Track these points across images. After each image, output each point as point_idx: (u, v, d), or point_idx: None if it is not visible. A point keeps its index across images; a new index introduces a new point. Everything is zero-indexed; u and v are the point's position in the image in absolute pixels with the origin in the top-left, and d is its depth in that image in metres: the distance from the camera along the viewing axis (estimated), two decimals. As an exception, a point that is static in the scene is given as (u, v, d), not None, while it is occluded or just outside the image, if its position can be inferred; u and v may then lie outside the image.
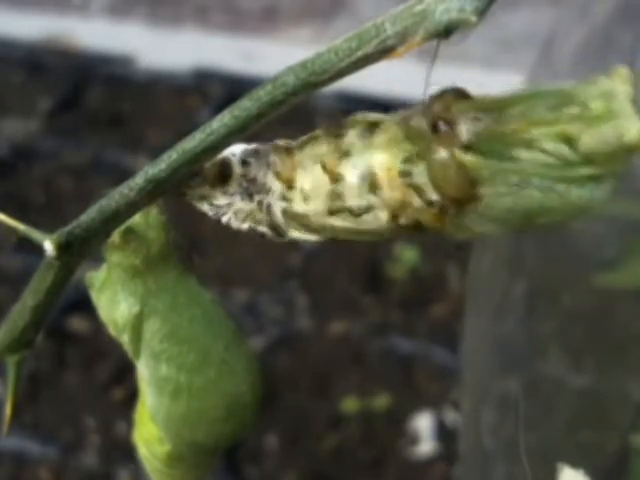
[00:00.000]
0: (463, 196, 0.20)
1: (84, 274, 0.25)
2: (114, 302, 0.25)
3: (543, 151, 0.20)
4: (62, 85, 1.06)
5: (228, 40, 1.08)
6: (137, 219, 0.24)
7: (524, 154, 0.20)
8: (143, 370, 0.27)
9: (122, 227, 0.23)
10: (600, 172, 0.20)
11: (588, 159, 0.20)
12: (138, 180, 0.20)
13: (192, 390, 0.26)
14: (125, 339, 0.26)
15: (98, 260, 0.25)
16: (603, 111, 0.20)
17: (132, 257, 0.25)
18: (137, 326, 0.25)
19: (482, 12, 0.19)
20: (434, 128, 0.20)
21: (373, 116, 0.21)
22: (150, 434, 0.28)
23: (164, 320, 0.26)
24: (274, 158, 0.22)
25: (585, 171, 0.20)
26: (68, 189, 0.96)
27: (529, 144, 0.20)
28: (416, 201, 0.20)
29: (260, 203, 0.22)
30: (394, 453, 0.74)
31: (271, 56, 1.02)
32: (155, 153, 0.21)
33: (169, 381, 0.26)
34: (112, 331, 0.26)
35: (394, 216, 0.21)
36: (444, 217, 0.21)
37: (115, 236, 0.24)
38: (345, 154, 0.21)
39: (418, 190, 0.20)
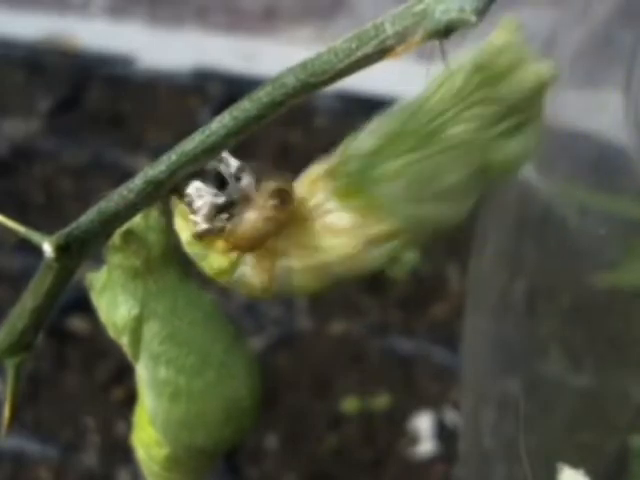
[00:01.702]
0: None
1: (84, 274, 0.25)
2: (114, 304, 0.25)
3: (469, 120, 0.21)
4: (62, 85, 1.06)
5: (228, 40, 1.08)
6: (137, 221, 0.24)
7: (454, 129, 0.21)
8: (142, 372, 0.26)
9: (123, 228, 0.23)
10: (526, 117, 0.21)
11: (512, 109, 0.21)
12: (137, 181, 0.20)
13: (191, 393, 0.26)
14: (124, 341, 0.26)
15: (98, 261, 0.25)
16: (509, 64, 0.21)
17: (132, 259, 0.25)
18: (136, 328, 0.25)
19: (482, 12, 0.19)
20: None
21: None
22: (148, 437, 0.28)
23: (164, 322, 0.26)
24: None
25: (513, 120, 0.21)
26: (68, 189, 0.96)
27: (455, 120, 0.21)
28: None
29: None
30: (394, 453, 0.73)
31: (271, 56, 1.02)
32: (155, 153, 0.21)
33: (168, 384, 0.26)
34: (112, 333, 0.26)
35: None
36: None
37: (116, 237, 0.24)
38: None
39: None
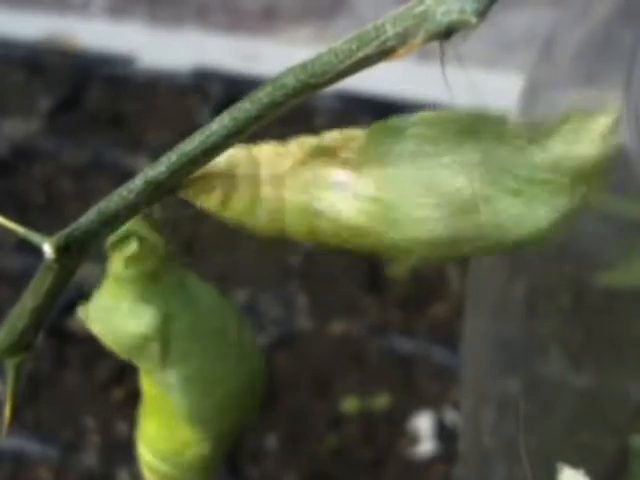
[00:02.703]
0: None
1: (84, 274, 0.25)
2: (130, 318, 0.25)
3: (511, 145, 0.20)
4: (62, 85, 1.06)
5: (228, 40, 1.08)
6: (138, 224, 0.24)
7: (490, 145, 0.20)
8: (169, 378, 0.26)
9: (129, 235, 0.24)
10: (561, 188, 0.20)
11: (554, 167, 0.20)
12: (137, 182, 0.20)
13: (217, 378, 0.26)
14: (151, 351, 0.26)
15: (98, 261, 0.25)
16: (578, 127, 0.20)
17: (149, 262, 0.25)
18: (165, 332, 0.25)
19: (482, 13, 0.19)
20: None
21: None
22: (183, 439, 0.28)
23: (185, 317, 0.26)
24: None
25: (547, 177, 0.20)
26: (68, 189, 0.96)
27: (499, 137, 0.20)
28: None
29: None
30: (394, 453, 0.73)
31: (271, 56, 1.02)
32: (155, 153, 0.21)
33: (198, 377, 0.26)
34: (126, 353, 0.26)
35: None
36: None
37: (131, 247, 0.24)
38: None
39: None
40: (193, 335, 0.26)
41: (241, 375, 0.27)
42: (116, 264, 0.25)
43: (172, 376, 0.26)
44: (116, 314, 0.25)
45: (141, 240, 0.24)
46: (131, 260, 0.24)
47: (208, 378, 0.26)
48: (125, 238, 0.24)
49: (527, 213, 0.20)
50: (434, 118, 0.21)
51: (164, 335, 0.25)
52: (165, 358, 0.26)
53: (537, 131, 0.20)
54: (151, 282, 0.25)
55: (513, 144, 0.20)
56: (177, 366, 0.26)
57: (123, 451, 0.73)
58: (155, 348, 0.25)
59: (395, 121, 0.21)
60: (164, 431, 0.28)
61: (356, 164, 0.21)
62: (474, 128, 0.20)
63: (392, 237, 0.21)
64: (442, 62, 0.19)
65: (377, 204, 0.21)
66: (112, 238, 0.24)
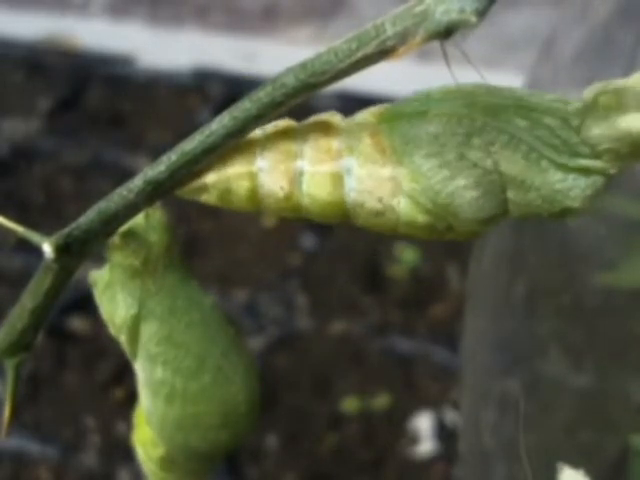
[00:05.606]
0: None
1: (84, 274, 0.25)
2: (114, 302, 0.25)
3: (542, 126, 0.20)
4: (62, 85, 1.06)
5: (228, 40, 1.08)
6: (138, 220, 0.24)
7: (520, 122, 0.20)
8: (139, 372, 0.26)
9: (124, 228, 0.23)
10: (597, 167, 0.20)
11: (591, 149, 0.20)
12: (137, 182, 0.20)
13: (187, 395, 0.26)
14: (122, 340, 0.26)
15: (98, 261, 0.25)
16: (613, 104, 0.19)
17: (131, 258, 0.24)
18: (134, 327, 0.25)
19: (482, 13, 0.19)
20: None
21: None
22: (145, 436, 0.28)
23: (162, 323, 0.26)
24: None
25: (583, 161, 0.20)
26: (68, 189, 0.96)
27: (526, 115, 0.20)
28: None
29: None
30: (394, 453, 0.73)
31: (271, 56, 1.02)
32: (155, 153, 0.21)
33: (164, 384, 0.26)
34: (112, 330, 0.26)
35: None
36: None
37: (116, 236, 0.24)
38: None
39: None
40: (167, 344, 0.25)
41: (217, 401, 0.26)
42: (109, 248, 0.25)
43: (141, 373, 0.26)
44: (107, 294, 0.25)
45: (127, 235, 0.24)
46: (113, 250, 0.24)
47: (176, 391, 0.26)
48: (126, 230, 0.24)
49: (561, 190, 0.20)
50: (459, 96, 0.20)
51: (132, 331, 0.25)
52: (133, 352, 0.26)
53: (566, 108, 0.20)
54: (134, 277, 0.25)
55: (545, 121, 0.20)
56: (146, 366, 0.26)
57: (123, 451, 0.73)
58: (123, 339, 0.26)
59: (408, 104, 0.21)
60: (140, 421, 0.28)
61: (382, 156, 0.21)
62: (503, 105, 0.20)
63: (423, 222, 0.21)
64: (446, 61, 0.19)
65: (412, 198, 0.20)
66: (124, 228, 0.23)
